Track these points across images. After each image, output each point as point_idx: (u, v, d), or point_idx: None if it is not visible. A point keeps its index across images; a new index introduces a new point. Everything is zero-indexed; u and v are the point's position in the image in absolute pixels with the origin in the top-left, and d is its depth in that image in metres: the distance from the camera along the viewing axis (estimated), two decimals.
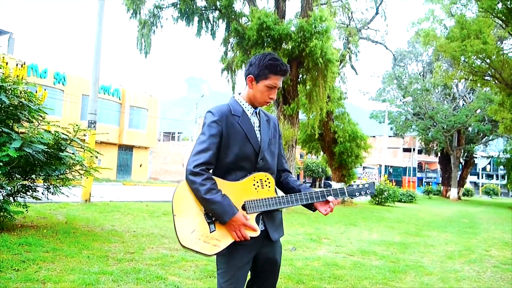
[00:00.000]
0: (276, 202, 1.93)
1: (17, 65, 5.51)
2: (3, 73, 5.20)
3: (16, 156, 4.55)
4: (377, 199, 18.63)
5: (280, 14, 12.59)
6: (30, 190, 5.56)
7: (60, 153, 5.42)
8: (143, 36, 13.41)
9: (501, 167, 39.05)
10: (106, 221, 6.95)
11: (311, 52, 11.20)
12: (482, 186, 58.62)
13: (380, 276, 4.63)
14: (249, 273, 2.04)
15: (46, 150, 5.11)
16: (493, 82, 20.26)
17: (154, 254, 4.75)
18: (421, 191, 39.03)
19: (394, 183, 23.11)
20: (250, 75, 1.97)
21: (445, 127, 31.90)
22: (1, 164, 4.54)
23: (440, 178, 42.92)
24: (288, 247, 5.89)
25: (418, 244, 7.32)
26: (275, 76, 1.94)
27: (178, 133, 55.15)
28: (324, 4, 15.18)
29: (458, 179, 33.76)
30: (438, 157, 39.35)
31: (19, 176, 5.28)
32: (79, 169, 6.00)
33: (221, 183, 1.87)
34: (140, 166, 29.57)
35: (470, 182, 57.91)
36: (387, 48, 22.25)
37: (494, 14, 17.14)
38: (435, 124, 32.82)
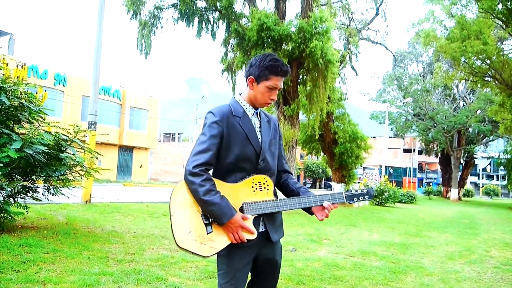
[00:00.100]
0: (274, 205, 1.93)
1: (17, 66, 5.51)
2: (3, 74, 5.20)
3: (16, 157, 4.55)
4: (378, 200, 18.62)
5: (280, 15, 12.61)
6: (31, 191, 5.55)
7: (61, 154, 5.42)
8: (143, 37, 13.43)
9: (502, 167, 39.05)
10: (107, 222, 6.95)
11: (311, 53, 11.21)
12: (482, 186, 58.58)
13: (380, 276, 4.62)
14: (250, 274, 2.04)
15: (47, 151, 5.11)
16: (494, 83, 20.26)
17: (154, 255, 4.75)
18: (422, 192, 39.01)
19: (394, 184, 23.08)
20: (250, 76, 1.96)
21: (445, 127, 31.90)
22: (1, 165, 4.54)
23: (441, 179, 42.91)
24: (288, 248, 5.89)
25: (419, 244, 7.32)
26: (276, 77, 1.93)
27: (178, 134, 55.22)
28: (324, 4, 15.21)
29: (458, 179, 33.74)
30: (438, 158, 39.34)
31: (20, 177, 5.28)
32: (79, 170, 6.00)
33: (219, 184, 1.87)
34: (141, 167, 29.57)
35: (471, 182, 57.85)
36: (387, 49, 22.28)
37: (494, 15, 17.16)
38: (435, 124, 32.82)
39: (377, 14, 19.28)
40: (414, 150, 55.04)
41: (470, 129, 34.09)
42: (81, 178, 6.42)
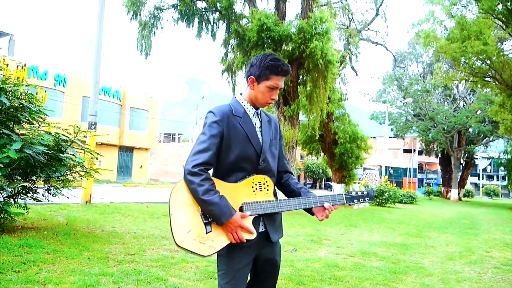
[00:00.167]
0: (273, 206, 1.92)
1: (17, 67, 5.51)
2: (3, 75, 5.20)
3: (16, 157, 4.55)
4: (378, 200, 18.62)
5: (280, 15, 12.62)
6: (31, 192, 5.55)
7: (61, 155, 5.43)
8: (143, 37, 13.44)
9: (502, 168, 38.97)
10: (107, 222, 6.94)
11: (311, 53, 11.21)
12: (482, 187, 58.60)
13: (380, 277, 4.62)
14: (249, 274, 2.04)
15: (47, 151, 5.11)
16: (494, 83, 20.26)
17: (154, 255, 4.75)
18: (422, 192, 39.00)
19: (394, 184, 23.10)
20: (251, 76, 1.96)
21: (445, 128, 31.91)
22: (1, 165, 4.54)
23: (441, 179, 42.92)
24: (288, 248, 5.89)
25: (419, 245, 7.31)
26: (276, 77, 1.93)
27: (179, 134, 55.29)
28: (324, 5, 15.22)
29: (458, 180, 33.75)
30: (438, 158, 39.34)
31: (20, 178, 5.28)
32: (79, 171, 6.00)
33: (219, 184, 1.86)
34: (141, 167, 29.57)
35: (471, 183, 57.87)
36: (387, 49, 22.26)
37: (494, 15, 17.16)
38: (435, 125, 32.83)
39: (377, 14, 19.28)
40: (414, 150, 55.02)
41: (470, 130, 34.11)
42: (81, 178, 6.42)
